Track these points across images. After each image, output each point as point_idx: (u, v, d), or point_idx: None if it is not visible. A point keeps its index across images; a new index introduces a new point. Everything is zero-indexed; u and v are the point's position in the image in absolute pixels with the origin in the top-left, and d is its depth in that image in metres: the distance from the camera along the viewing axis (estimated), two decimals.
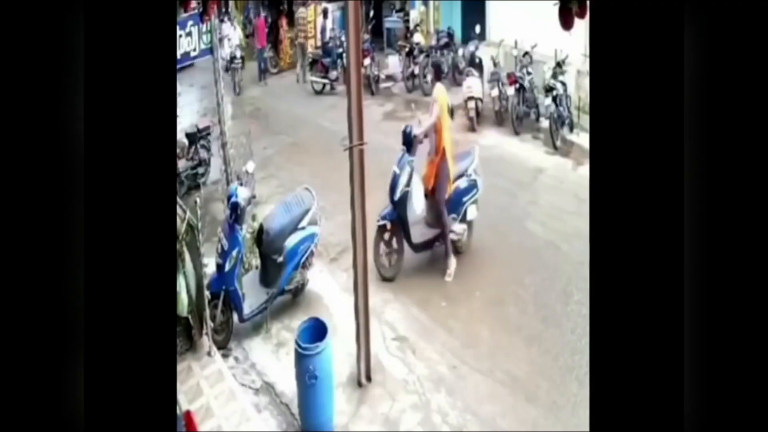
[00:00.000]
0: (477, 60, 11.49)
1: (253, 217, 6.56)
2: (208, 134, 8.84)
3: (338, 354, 4.67)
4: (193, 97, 12.84)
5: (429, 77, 11.98)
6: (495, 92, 10.43)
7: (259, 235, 5.83)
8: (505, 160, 9.25)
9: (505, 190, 8.30)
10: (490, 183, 8.51)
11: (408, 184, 6.15)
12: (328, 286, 6.35)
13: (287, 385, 4.90)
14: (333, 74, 13.08)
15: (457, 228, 6.54)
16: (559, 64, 9.71)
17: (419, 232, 6.41)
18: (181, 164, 8.36)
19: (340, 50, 12.54)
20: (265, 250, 5.81)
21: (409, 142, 6.16)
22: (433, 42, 13.14)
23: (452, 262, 6.36)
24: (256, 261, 6.23)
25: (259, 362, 5.35)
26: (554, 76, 9.67)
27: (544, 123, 9.95)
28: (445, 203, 6.31)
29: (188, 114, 11.38)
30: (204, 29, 7.13)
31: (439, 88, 6.43)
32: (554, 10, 2.99)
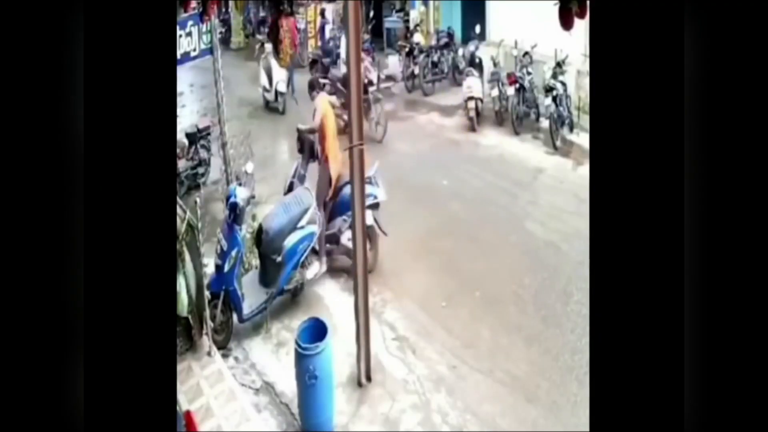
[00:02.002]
0: (477, 60, 11.50)
1: (253, 217, 6.56)
2: (208, 134, 8.84)
3: (338, 354, 4.67)
4: (193, 97, 12.84)
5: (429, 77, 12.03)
6: (495, 92, 10.44)
7: (258, 235, 5.84)
8: (505, 160, 9.27)
9: (505, 190, 8.31)
10: (490, 183, 8.55)
11: (294, 176, 6.51)
12: (328, 286, 6.35)
13: (287, 385, 4.90)
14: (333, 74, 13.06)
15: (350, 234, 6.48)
16: (559, 64, 9.72)
17: None
18: (181, 164, 8.36)
19: (340, 50, 12.53)
20: (264, 250, 5.81)
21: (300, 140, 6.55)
22: (433, 42, 13.14)
23: (316, 264, 6.21)
24: (255, 261, 6.23)
25: (259, 362, 5.35)
26: (554, 76, 9.68)
27: (544, 123, 9.96)
28: (334, 205, 6.41)
29: (188, 114, 11.37)
30: (204, 29, 7.12)
31: (322, 97, 6.70)
32: (554, 10, 2.99)
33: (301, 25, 14.72)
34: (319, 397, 4.42)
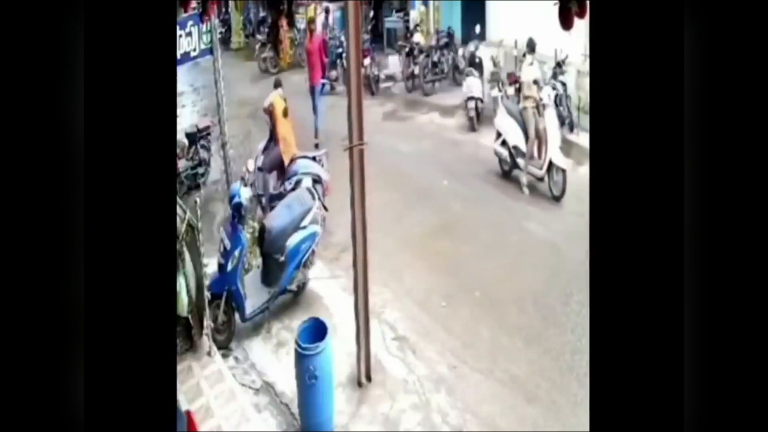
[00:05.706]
0: (477, 60, 11.49)
1: (252, 217, 6.58)
2: (208, 134, 8.84)
3: (338, 354, 4.67)
4: (193, 97, 12.83)
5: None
6: (495, 92, 10.42)
7: (261, 235, 5.85)
8: None
9: (506, 190, 8.31)
10: (491, 183, 8.54)
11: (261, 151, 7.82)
12: (328, 286, 6.35)
13: (287, 385, 4.90)
14: (333, 74, 13.05)
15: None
16: (559, 64, 9.71)
17: None
18: (181, 164, 8.36)
19: (340, 50, 12.53)
20: (266, 250, 5.82)
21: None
22: (433, 42, 13.13)
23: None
24: (256, 261, 6.23)
25: (259, 362, 5.35)
26: (554, 76, 9.68)
27: None
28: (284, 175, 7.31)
29: (188, 114, 11.37)
30: (204, 29, 7.14)
31: (274, 94, 7.90)
32: (554, 10, 2.99)
33: (301, 26, 14.70)
34: (319, 397, 4.42)
